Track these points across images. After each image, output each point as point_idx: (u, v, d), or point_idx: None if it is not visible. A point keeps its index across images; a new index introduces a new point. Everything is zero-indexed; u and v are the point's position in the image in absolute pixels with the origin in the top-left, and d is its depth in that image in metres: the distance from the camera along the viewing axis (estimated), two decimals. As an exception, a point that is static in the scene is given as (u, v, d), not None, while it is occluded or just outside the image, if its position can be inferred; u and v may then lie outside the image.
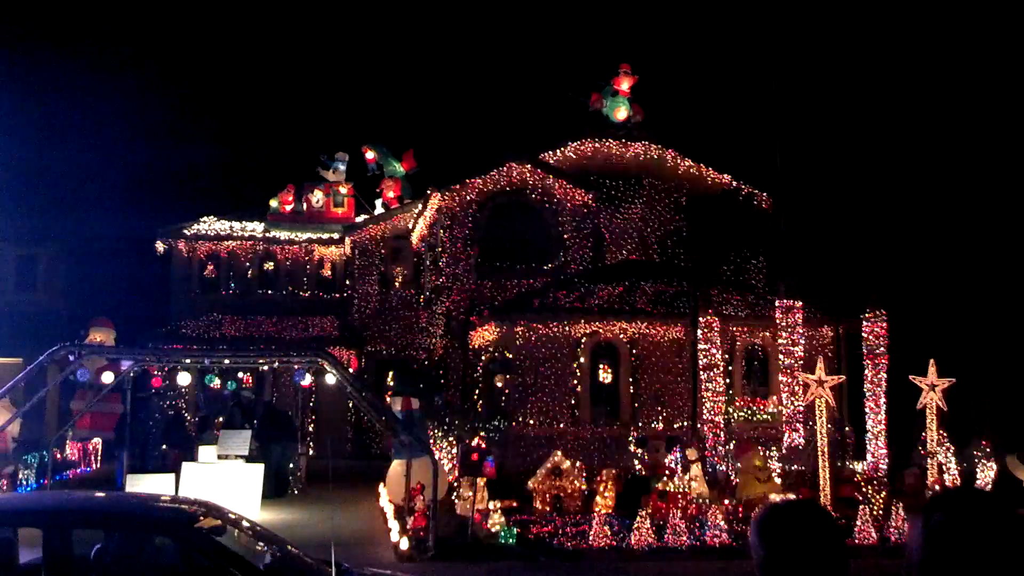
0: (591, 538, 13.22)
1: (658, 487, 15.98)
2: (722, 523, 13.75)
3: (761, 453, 17.64)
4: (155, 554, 7.14)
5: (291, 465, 18.70)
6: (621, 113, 27.45)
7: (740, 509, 15.21)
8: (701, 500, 15.50)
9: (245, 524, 7.71)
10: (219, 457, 17.21)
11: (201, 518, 7.29)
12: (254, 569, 6.75)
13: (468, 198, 23.88)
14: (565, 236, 24.06)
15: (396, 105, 29.59)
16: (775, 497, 16.52)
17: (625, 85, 27.67)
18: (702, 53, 29.40)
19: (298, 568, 7.48)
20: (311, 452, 21.03)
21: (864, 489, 16.16)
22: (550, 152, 26.00)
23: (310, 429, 22.62)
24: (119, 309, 22.40)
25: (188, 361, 17.04)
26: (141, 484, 16.66)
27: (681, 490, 15.78)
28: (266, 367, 18.05)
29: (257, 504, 16.59)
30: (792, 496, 16.27)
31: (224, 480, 16.77)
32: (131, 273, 24.09)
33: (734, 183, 26.47)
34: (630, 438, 19.01)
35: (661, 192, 26.36)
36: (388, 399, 19.31)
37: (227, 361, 17.59)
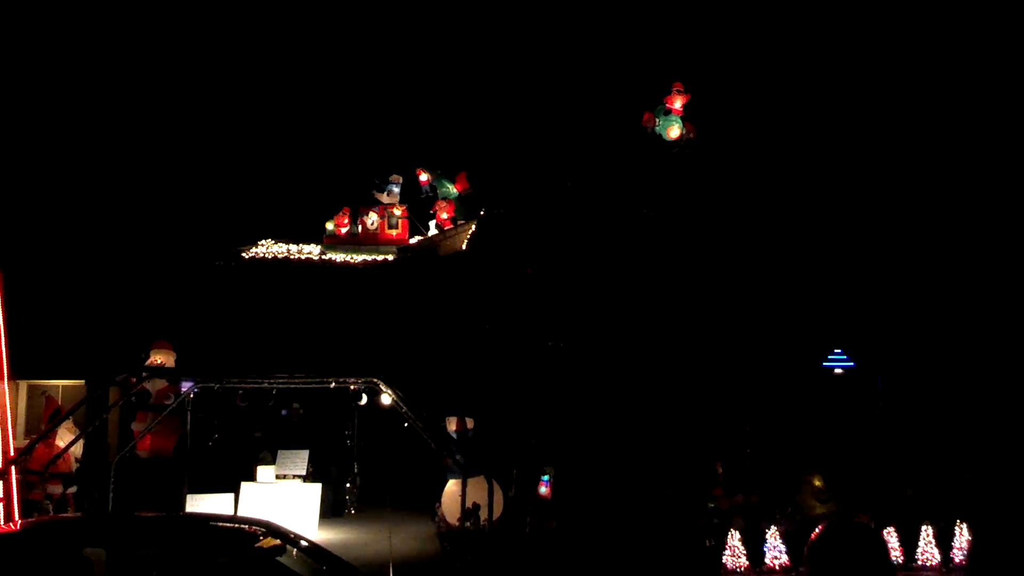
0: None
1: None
2: (781, 544, 13.60)
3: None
4: (216, 573, 7.23)
5: (347, 485, 18.83)
6: (674, 132, 27.42)
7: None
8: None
9: (304, 543, 7.79)
10: (277, 477, 17.42)
11: (261, 538, 7.38)
12: None
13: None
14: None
15: (449, 127, 29.75)
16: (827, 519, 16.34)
17: (678, 103, 27.65)
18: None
19: None
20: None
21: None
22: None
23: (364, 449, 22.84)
24: (179, 330, 22.67)
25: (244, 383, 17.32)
26: (201, 504, 16.93)
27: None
28: (323, 387, 18.21)
29: (315, 523, 16.76)
30: (848, 519, 16.06)
31: (282, 500, 16.98)
32: (190, 295, 24.39)
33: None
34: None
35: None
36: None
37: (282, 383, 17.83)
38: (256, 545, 7.24)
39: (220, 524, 8.05)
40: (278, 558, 7.17)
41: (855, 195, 25.48)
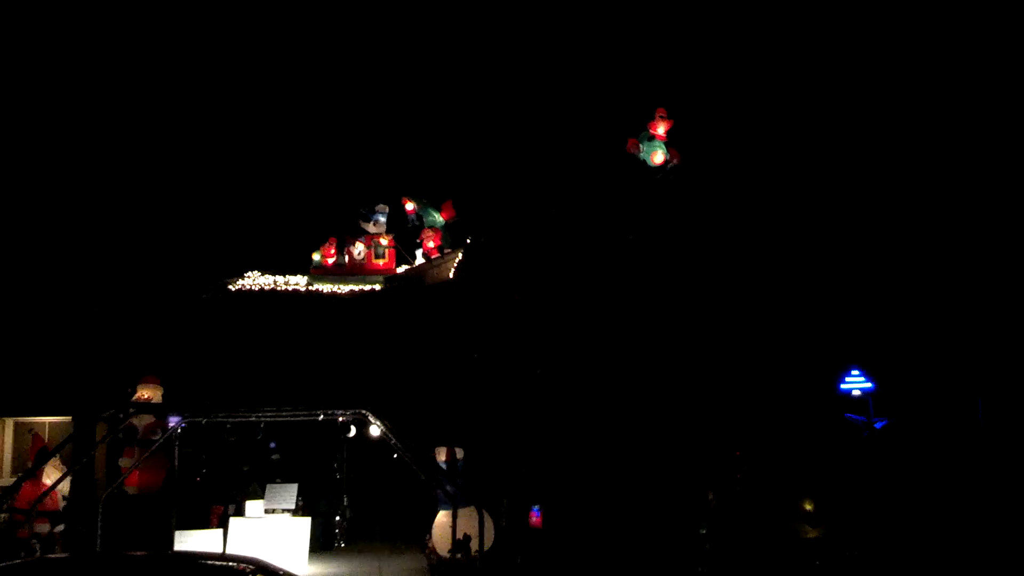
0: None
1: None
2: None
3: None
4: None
5: (336, 518, 18.75)
6: (658, 157, 27.53)
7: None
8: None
9: None
10: (266, 511, 17.31)
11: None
12: None
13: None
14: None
15: (434, 155, 29.85)
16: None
17: (661, 129, 27.77)
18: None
19: None
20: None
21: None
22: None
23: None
24: (166, 364, 22.57)
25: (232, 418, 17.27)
26: (189, 540, 16.80)
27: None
28: (312, 419, 18.17)
29: (305, 557, 16.65)
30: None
31: (272, 534, 16.86)
32: (177, 328, 24.30)
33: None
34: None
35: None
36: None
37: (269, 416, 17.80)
38: None
39: (209, 562, 8.01)
40: None
41: (852, 207, 25.48)
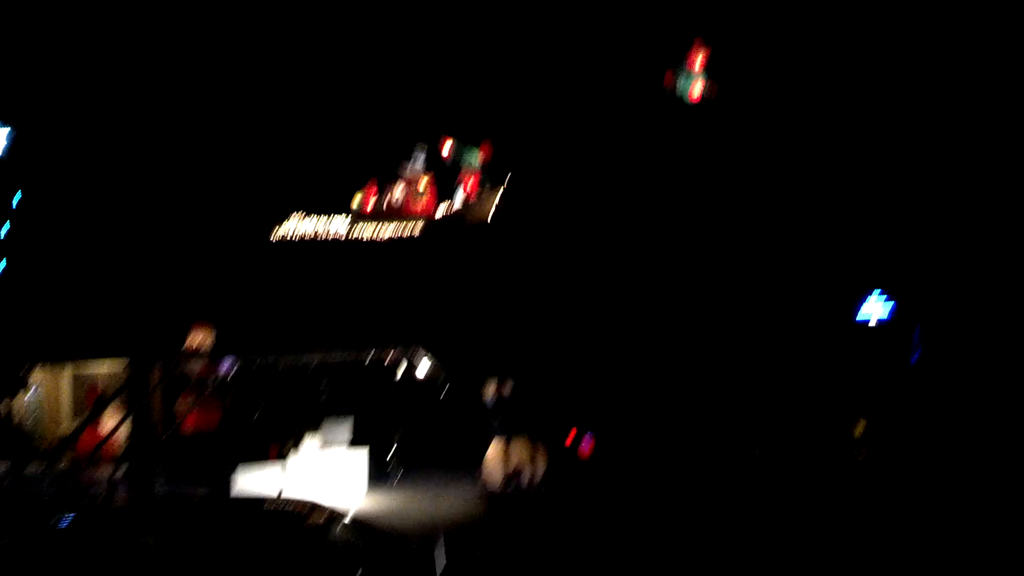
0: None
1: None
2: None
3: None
4: (267, 555, 7.19)
5: (392, 450, 19.06)
6: (696, 91, 27.25)
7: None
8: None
9: (349, 519, 7.80)
10: (323, 445, 17.64)
11: (309, 516, 7.45)
12: (361, 564, 6.82)
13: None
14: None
15: (471, 93, 29.71)
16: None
17: (699, 62, 27.43)
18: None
19: (407, 558, 7.53)
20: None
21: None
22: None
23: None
24: (216, 309, 22.92)
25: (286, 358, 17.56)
26: (249, 477, 17.17)
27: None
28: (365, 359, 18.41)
29: (363, 490, 17.01)
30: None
31: (329, 468, 17.21)
32: (224, 273, 24.63)
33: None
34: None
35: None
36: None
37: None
38: (305, 524, 7.30)
39: (268, 506, 8.17)
40: (325, 536, 7.22)
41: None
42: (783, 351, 21.03)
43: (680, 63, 27.50)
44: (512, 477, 16.01)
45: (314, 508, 7.86)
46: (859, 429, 18.38)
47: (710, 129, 26.52)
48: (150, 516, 7.55)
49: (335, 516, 7.79)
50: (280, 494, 16.85)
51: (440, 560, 7.26)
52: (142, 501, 9.74)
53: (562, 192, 26.30)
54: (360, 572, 6.80)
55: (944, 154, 24.30)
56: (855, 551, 11.23)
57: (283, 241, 27.23)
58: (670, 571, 10.97)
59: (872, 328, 22.70)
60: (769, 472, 16.48)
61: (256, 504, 9.07)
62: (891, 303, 22.55)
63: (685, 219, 24.82)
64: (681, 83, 27.35)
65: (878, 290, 22.90)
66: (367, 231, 27.96)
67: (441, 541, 7.56)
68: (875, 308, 22.77)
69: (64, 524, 7.09)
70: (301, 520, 7.53)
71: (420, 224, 28.17)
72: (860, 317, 22.76)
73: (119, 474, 17.36)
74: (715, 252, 23.86)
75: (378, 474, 18.35)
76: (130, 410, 18.32)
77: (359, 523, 7.90)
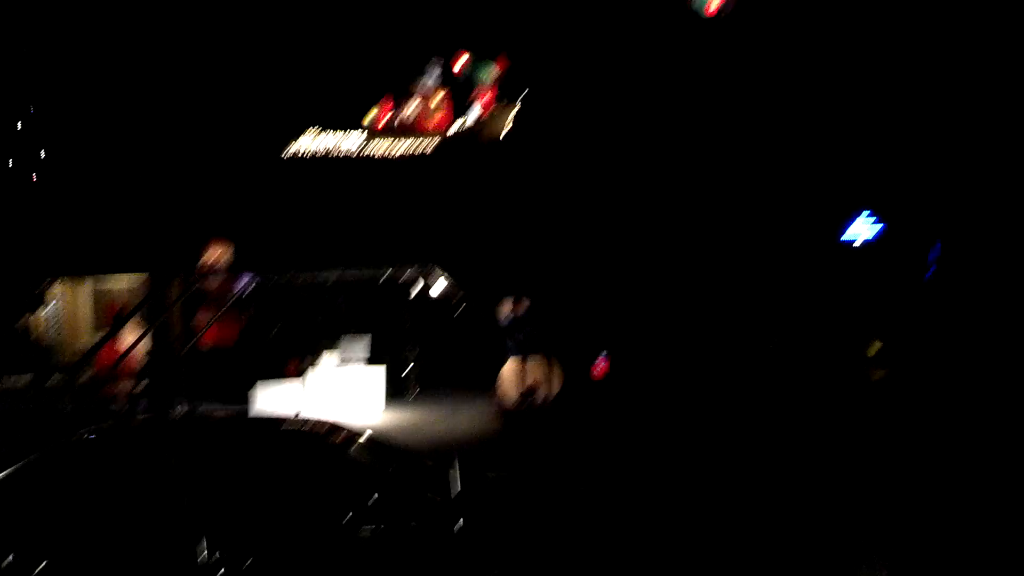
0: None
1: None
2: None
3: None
4: (281, 477, 7.23)
5: (409, 367, 19.27)
6: (712, 5, 26.74)
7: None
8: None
9: (366, 438, 7.86)
10: (341, 362, 17.85)
11: (327, 436, 7.54)
12: (379, 481, 6.87)
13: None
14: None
15: (487, 8, 29.26)
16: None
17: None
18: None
19: (423, 478, 7.58)
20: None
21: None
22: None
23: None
24: (233, 224, 23.01)
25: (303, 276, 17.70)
26: (268, 392, 17.43)
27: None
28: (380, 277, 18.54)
29: (381, 406, 17.25)
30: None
31: (347, 384, 17.44)
32: (242, 188, 24.64)
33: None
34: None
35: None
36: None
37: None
38: (324, 442, 7.32)
39: (286, 424, 8.25)
40: (344, 454, 7.29)
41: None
42: (794, 269, 20.98)
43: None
44: (527, 395, 16.16)
45: (332, 428, 7.94)
46: (873, 350, 18.42)
47: (725, 43, 26.07)
48: (170, 435, 7.62)
49: (352, 436, 7.88)
50: (298, 413, 17.14)
51: (455, 482, 7.35)
52: (162, 419, 9.84)
53: (578, 108, 26.02)
54: (376, 495, 6.88)
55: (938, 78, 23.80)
56: (866, 472, 11.35)
57: (299, 157, 27.17)
58: (681, 491, 11.13)
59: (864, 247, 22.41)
60: (780, 394, 16.57)
61: (275, 424, 9.17)
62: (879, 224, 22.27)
63: (699, 132, 24.56)
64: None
65: (867, 211, 22.59)
66: (381, 147, 27.84)
67: (456, 463, 7.65)
68: (863, 229, 22.41)
69: (87, 440, 7.19)
70: (319, 440, 7.62)
71: (434, 140, 28.01)
72: (847, 237, 22.38)
73: (139, 389, 17.70)
74: (729, 168, 23.67)
75: (395, 391, 18.59)
76: (150, 326, 18.59)
77: (376, 443, 8.00)
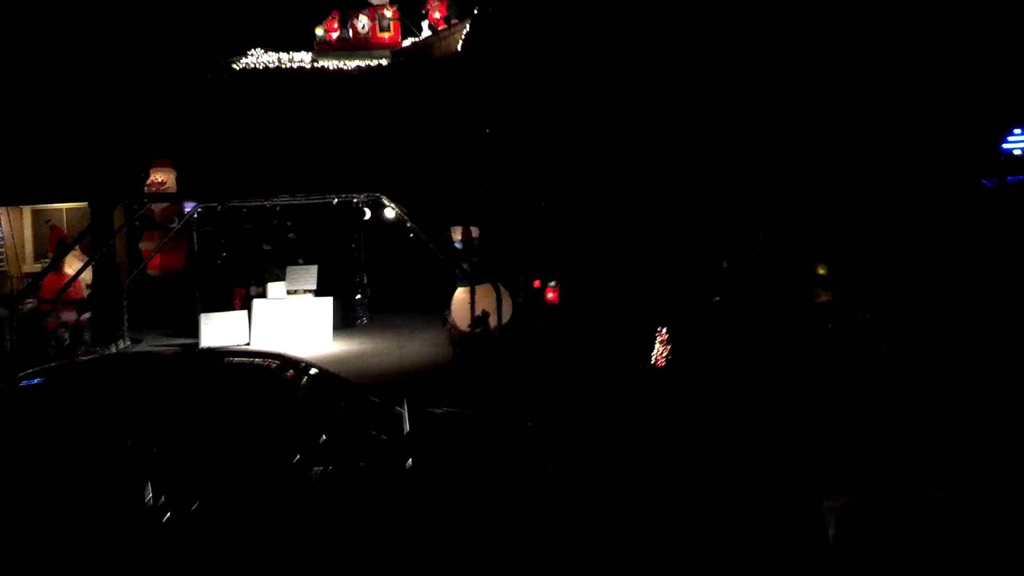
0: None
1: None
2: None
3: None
4: (234, 410, 7.14)
5: (358, 296, 19.12)
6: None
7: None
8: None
9: (316, 371, 7.79)
10: (288, 292, 17.65)
11: (275, 371, 7.43)
12: (328, 420, 6.80)
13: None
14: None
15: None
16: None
17: None
18: None
19: (373, 416, 7.51)
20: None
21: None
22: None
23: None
24: (176, 147, 22.47)
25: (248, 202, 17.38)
26: (214, 322, 17.23)
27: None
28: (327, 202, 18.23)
29: (329, 336, 17.11)
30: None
31: (295, 314, 17.26)
32: (184, 110, 24.00)
33: None
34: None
35: None
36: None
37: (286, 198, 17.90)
38: (276, 379, 7.29)
39: (234, 360, 8.11)
40: (294, 391, 7.21)
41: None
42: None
43: None
44: (477, 323, 16.08)
45: (280, 363, 7.82)
46: (821, 270, 18.53)
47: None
48: (114, 377, 7.45)
49: (301, 371, 7.78)
50: (248, 344, 16.98)
51: (404, 421, 7.28)
52: (105, 360, 9.64)
53: (536, 22, 25.49)
54: (325, 436, 6.82)
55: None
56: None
57: (244, 75, 26.47)
58: (633, 420, 11.20)
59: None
60: (727, 318, 16.65)
61: (222, 359, 9.02)
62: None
63: (661, 51, 24.14)
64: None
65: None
66: (331, 63, 27.18)
67: (404, 402, 7.56)
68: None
69: (30, 384, 7.04)
70: (267, 376, 7.51)
71: (384, 58, 27.42)
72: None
73: (83, 320, 17.40)
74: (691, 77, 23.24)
75: (346, 319, 18.46)
76: (92, 255, 18.20)
77: (325, 377, 7.90)
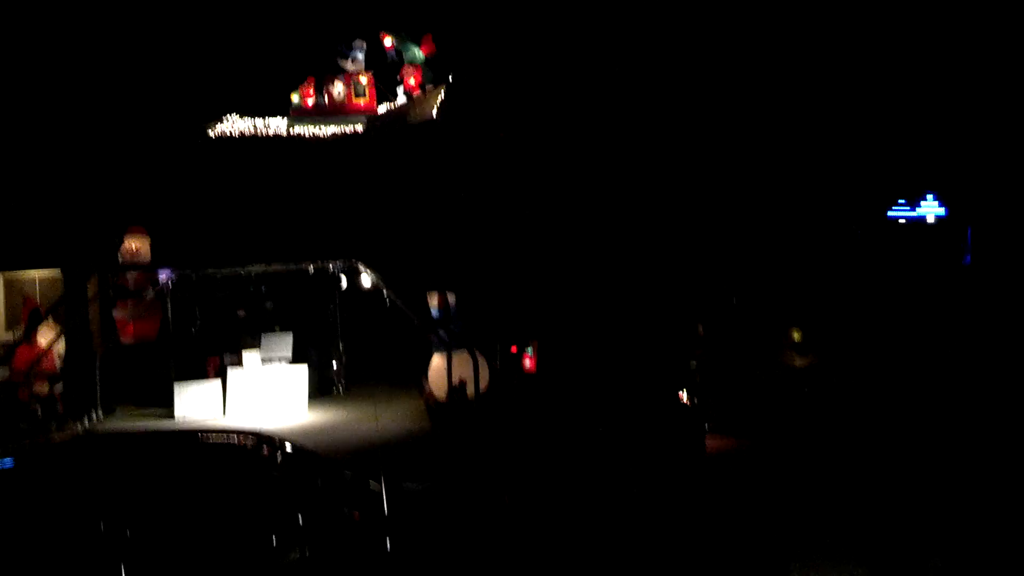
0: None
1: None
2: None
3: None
4: (212, 487, 7.23)
5: (333, 365, 19.01)
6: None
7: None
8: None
9: (291, 447, 7.81)
10: (263, 361, 17.50)
11: (251, 450, 7.43)
12: (307, 495, 6.81)
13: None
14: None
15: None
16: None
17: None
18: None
19: (349, 492, 7.53)
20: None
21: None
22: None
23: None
24: (150, 213, 22.40)
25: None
26: (188, 392, 17.04)
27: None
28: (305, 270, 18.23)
29: (305, 405, 16.95)
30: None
31: (270, 383, 17.11)
32: (158, 176, 23.99)
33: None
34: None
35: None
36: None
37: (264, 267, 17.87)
38: (256, 456, 7.27)
39: (210, 439, 8.08)
40: (271, 470, 7.22)
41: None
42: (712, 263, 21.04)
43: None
44: (455, 392, 16.01)
45: (255, 441, 7.80)
46: (796, 335, 18.65)
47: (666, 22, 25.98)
48: (87, 457, 7.42)
49: (275, 448, 7.75)
50: (223, 413, 16.76)
51: (381, 497, 7.25)
52: (79, 439, 9.57)
53: (509, 88, 25.79)
54: (302, 515, 6.80)
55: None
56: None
57: (219, 142, 26.50)
58: (614, 491, 11.14)
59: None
60: (705, 382, 16.68)
61: (196, 438, 8.99)
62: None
63: (635, 115, 24.47)
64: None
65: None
66: (306, 130, 27.24)
67: (381, 478, 7.53)
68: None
69: (3, 467, 7.00)
70: (242, 455, 7.50)
71: (360, 124, 27.55)
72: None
73: (56, 391, 17.18)
74: (667, 148, 23.58)
75: (321, 387, 18.33)
76: (65, 325, 18.04)
77: (299, 454, 7.86)
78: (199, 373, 17.92)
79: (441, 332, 16.62)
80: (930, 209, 20.31)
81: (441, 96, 26.84)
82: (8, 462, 7.08)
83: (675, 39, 25.25)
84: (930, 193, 20.92)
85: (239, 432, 8.45)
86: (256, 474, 7.19)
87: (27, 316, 18.44)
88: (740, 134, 23.51)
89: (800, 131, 23.43)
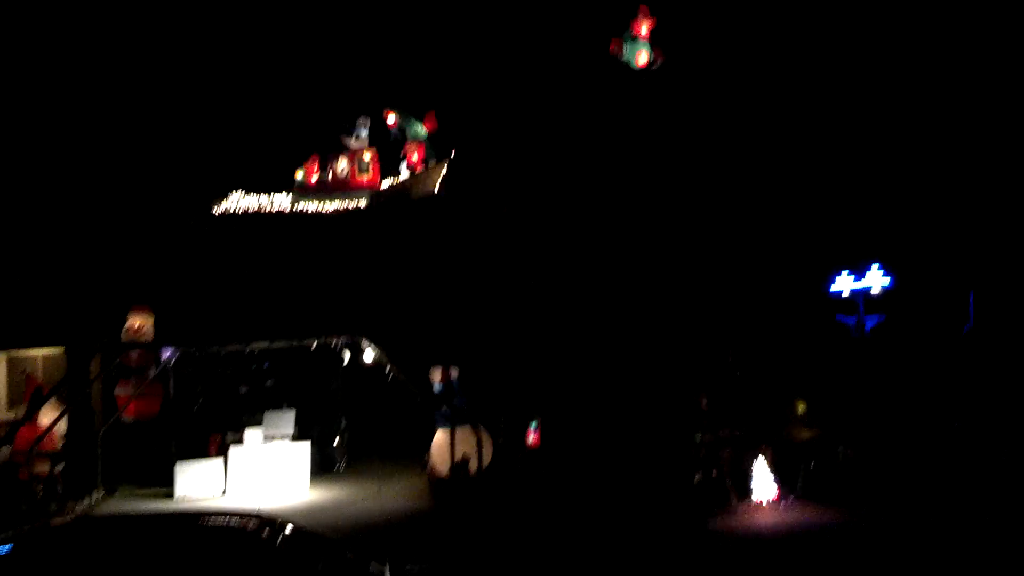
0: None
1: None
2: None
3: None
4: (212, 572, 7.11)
5: (335, 441, 18.90)
6: (642, 58, 27.05)
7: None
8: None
9: (292, 529, 7.70)
10: (265, 438, 17.41)
11: (251, 531, 7.33)
12: None
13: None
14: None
15: (414, 65, 29.35)
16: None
17: (645, 29, 27.21)
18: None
19: (348, 571, 7.43)
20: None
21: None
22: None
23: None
24: (155, 291, 22.45)
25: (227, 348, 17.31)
26: (189, 471, 16.93)
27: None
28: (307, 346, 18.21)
29: (307, 483, 16.82)
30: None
31: (272, 461, 16.99)
32: (163, 253, 24.12)
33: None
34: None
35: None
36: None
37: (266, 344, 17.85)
38: (256, 540, 7.20)
39: (211, 521, 7.99)
40: (271, 555, 7.13)
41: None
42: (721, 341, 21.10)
43: (626, 30, 27.29)
44: (458, 468, 15.89)
45: (257, 523, 7.71)
46: (801, 408, 18.55)
47: (656, 95, 26.39)
48: (87, 543, 7.34)
49: (277, 530, 7.66)
50: (224, 492, 16.61)
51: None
52: (78, 524, 9.47)
53: (511, 163, 26.05)
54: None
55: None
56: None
57: (224, 219, 26.70)
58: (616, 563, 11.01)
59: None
60: (710, 456, 16.54)
61: (197, 521, 8.88)
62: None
63: (634, 190, 24.69)
64: (627, 50, 27.16)
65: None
66: (310, 206, 27.48)
67: (386, 562, 7.42)
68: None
69: (1, 552, 6.91)
70: (243, 538, 7.39)
71: (363, 200, 27.78)
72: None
73: (58, 471, 17.06)
74: (664, 223, 23.79)
75: (323, 464, 18.20)
76: (68, 406, 17.99)
77: (301, 536, 7.77)
78: (201, 450, 17.82)
79: (444, 407, 16.55)
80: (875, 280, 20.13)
81: (444, 172, 27.12)
82: (5, 549, 6.99)
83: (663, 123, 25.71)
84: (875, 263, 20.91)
85: (240, 514, 8.35)
86: (257, 558, 7.08)
87: (30, 396, 18.37)
88: (734, 203, 23.74)
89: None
